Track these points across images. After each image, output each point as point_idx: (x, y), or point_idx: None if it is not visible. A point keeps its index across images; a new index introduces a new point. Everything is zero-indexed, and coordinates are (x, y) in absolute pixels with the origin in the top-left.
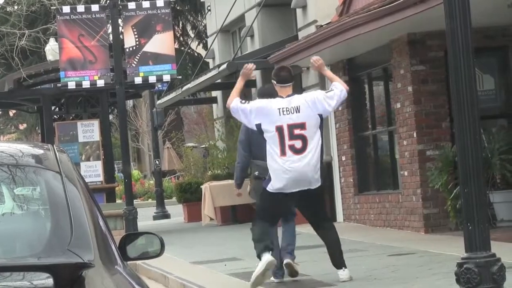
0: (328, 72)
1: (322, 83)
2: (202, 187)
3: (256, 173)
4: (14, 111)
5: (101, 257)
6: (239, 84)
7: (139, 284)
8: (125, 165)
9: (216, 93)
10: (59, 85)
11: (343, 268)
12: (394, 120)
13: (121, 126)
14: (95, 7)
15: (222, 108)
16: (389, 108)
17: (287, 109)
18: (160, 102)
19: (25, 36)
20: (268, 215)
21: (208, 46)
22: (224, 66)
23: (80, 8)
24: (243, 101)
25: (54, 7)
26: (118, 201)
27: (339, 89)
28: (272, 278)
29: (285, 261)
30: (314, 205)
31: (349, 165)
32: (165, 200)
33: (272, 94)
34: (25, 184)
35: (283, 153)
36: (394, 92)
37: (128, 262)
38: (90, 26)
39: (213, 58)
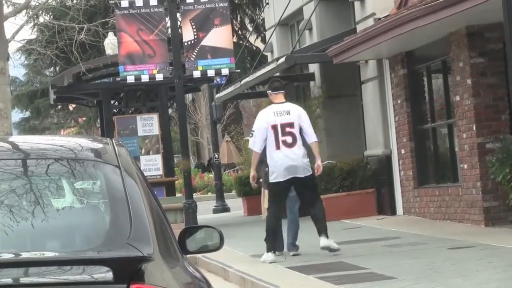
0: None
1: (381, 76)
2: (262, 180)
3: (267, 169)
4: (73, 105)
5: (161, 250)
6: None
7: (198, 278)
8: (184, 158)
9: None
10: (118, 79)
11: (327, 237)
12: (453, 113)
13: (180, 119)
14: (153, 1)
15: None
16: (448, 101)
17: (280, 112)
18: (218, 95)
19: (84, 30)
20: (278, 199)
21: (266, 40)
22: (283, 59)
23: (139, 2)
24: (251, 134)
25: (113, 1)
26: (178, 194)
27: (311, 138)
28: (285, 250)
29: (291, 254)
30: (308, 189)
31: (409, 158)
32: (224, 194)
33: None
34: (84, 178)
35: (278, 147)
36: (453, 85)
37: (188, 256)
38: (149, 20)
39: (271, 52)
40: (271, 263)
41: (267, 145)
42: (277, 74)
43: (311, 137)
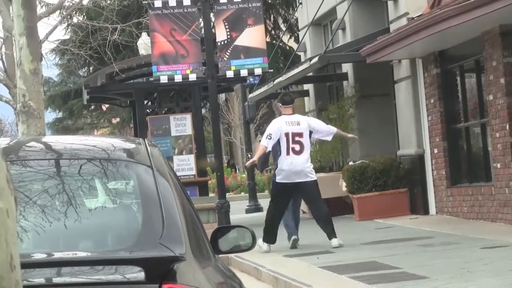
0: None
1: (414, 76)
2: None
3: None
4: (107, 106)
5: (193, 250)
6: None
7: (230, 278)
8: (217, 158)
9: (308, 86)
10: (151, 79)
11: (334, 238)
12: (486, 112)
13: (213, 119)
14: (186, 1)
15: (314, 101)
16: (481, 100)
17: (291, 122)
18: (252, 95)
19: (117, 31)
20: (279, 200)
21: (300, 39)
22: (316, 59)
23: (172, 2)
24: (269, 136)
25: (146, 2)
26: (211, 194)
27: (331, 133)
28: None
29: (293, 237)
30: (311, 193)
31: (442, 157)
32: (257, 194)
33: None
34: (117, 178)
35: (287, 153)
36: (486, 84)
37: (220, 255)
38: (182, 20)
39: (305, 51)
40: (265, 252)
41: (280, 150)
42: (310, 74)
43: (330, 132)
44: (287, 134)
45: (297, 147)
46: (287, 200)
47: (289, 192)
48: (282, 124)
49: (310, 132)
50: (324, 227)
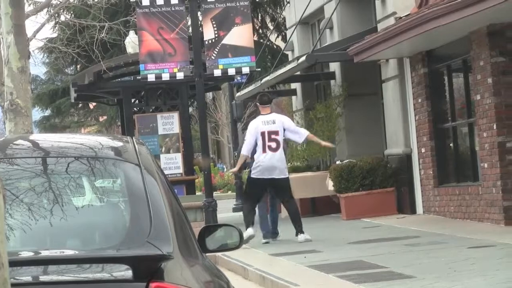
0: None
1: (402, 75)
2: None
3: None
4: (94, 104)
5: (180, 249)
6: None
7: (218, 276)
8: (205, 157)
9: (296, 85)
10: (138, 77)
11: (300, 234)
12: (474, 112)
13: (201, 118)
14: (174, 0)
15: (301, 100)
16: (468, 100)
17: (267, 121)
18: (239, 94)
19: (105, 29)
20: (253, 194)
21: (287, 38)
22: (303, 58)
23: (160, 1)
24: (245, 139)
25: (134, 0)
26: (198, 193)
27: (303, 135)
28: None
29: (264, 240)
30: (282, 189)
31: (429, 157)
32: None
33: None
34: (105, 176)
35: (264, 151)
36: (474, 84)
37: (207, 254)
38: (170, 19)
39: (292, 50)
40: (251, 236)
41: (257, 148)
42: (298, 73)
43: (303, 134)
44: (263, 133)
45: (273, 145)
46: (260, 195)
47: (262, 187)
48: (258, 124)
49: (284, 130)
50: (292, 223)
